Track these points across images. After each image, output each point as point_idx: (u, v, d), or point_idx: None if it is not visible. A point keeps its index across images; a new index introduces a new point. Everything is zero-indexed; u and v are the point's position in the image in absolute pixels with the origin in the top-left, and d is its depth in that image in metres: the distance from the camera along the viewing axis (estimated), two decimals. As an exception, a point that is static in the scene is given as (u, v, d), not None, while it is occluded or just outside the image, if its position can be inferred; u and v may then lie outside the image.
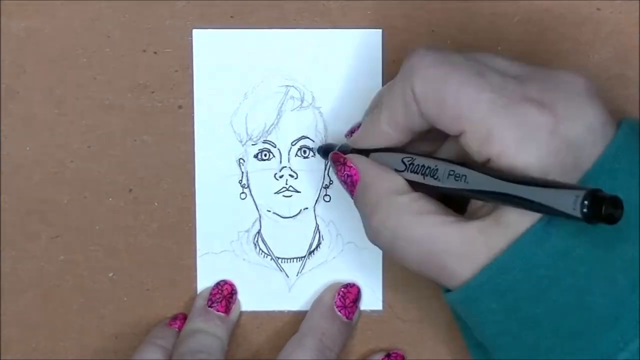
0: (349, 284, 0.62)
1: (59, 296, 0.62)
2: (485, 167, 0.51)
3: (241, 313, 0.63)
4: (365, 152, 0.56)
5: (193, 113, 0.62)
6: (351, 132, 0.57)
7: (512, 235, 0.50)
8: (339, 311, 0.61)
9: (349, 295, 0.62)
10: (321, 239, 0.63)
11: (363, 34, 0.61)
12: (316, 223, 0.62)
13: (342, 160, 0.56)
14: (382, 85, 0.61)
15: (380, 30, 0.61)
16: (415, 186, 0.54)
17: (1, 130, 0.61)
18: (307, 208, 0.62)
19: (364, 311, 0.63)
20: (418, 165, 0.54)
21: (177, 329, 0.61)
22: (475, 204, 0.53)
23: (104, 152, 0.62)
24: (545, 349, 0.51)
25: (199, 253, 0.62)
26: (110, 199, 0.62)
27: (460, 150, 0.53)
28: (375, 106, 0.56)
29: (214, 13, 0.61)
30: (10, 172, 0.62)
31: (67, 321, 0.63)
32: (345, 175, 0.56)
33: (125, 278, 0.63)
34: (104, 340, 0.63)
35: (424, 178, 0.54)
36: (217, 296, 0.62)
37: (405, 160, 0.55)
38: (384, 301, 0.63)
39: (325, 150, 0.60)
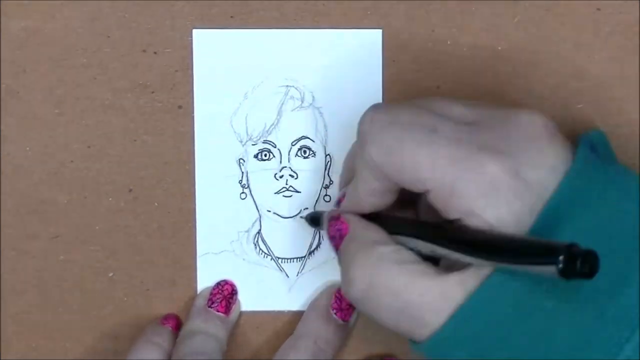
0: (346, 286, 0.62)
1: (59, 296, 0.62)
2: (459, 228, 0.51)
3: (241, 313, 0.63)
4: None
5: (193, 113, 0.62)
6: (338, 202, 0.57)
7: None
8: (335, 314, 0.61)
9: (345, 297, 0.61)
10: (321, 239, 0.63)
11: (363, 34, 0.61)
12: (316, 223, 0.63)
13: (336, 215, 0.56)
14: (382, 85, 0.61)
15: (380, 30, 0.61)
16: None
17: (1, 130, 0.61)
18: (307, 208, 0.62)
19: (364, 311, 0.63)
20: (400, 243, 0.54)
21: (170, 328, 0.61)
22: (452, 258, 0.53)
23: (104, 152, 0.62)
24: None
25: (199, 253, 0.62)
26: (110, 199, 0.62)
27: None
28: (351, 174, 0.55)
29: (214, 13, 0.61)
30: (10, 172, 0.62)
31: (67, 321, 0.63)
32: (336, 230, 0.56)
33: (125, 278, 0.63)
34: (104, 340, 0.63)
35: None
36: (217, 296, 0.62)
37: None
38: (384, 301, 0.63)
39: (312, 219, 0.61)
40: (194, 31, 0.61)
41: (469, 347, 0.50)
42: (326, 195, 0.62)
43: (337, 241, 0.56)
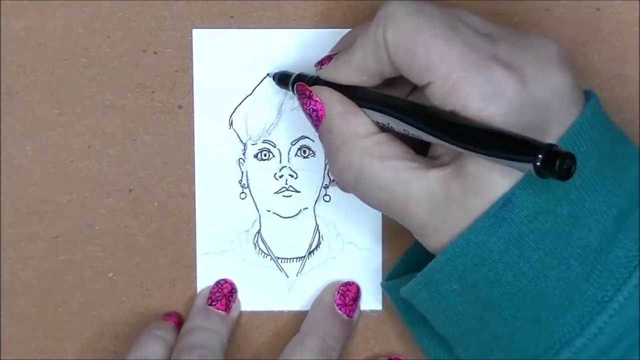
0: (349, 282, 0.62)
1: (59, 296, 0.62)
2: (443, 113, 0.51)
3: (241, 313, 0.63)
4: (332, 85, 0.56)
5: (193, 113, 0.62)
6: (320, 63, 0.57)
7: (470, 186, 0.50)
8: (340, 309, 0.61)
9: (348, 293, 0.62)
10: (321, 239, 0.63)
11: (363, 34, 0.61)
12: (316, 223, 0.62)
13: (307, 93, 0.56)
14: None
15: (380, 30, 0.61)
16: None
17: (1, 130, 0.61)
18: (307, 208, 0.62)
19: (364, 311, 0.63)
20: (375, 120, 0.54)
21: (172, 324, 0.61)
22: (437, 149, 0.54)
23: (104, 152, 0.62)
24: (505, 333, 0.52)
25: (199, 253, 0.62)
26: (110, 199, 0.62)
27: (426, 100, 0.53)
28: (348, 45, 0.55)
29: (214, 13, 0.61)
30: (10, 172, 0.62)
31: (67, 321, 0.63)
32: (311, 110, 0.56)
33: (125, 278, 0.63)
34: (103, 340, 0.63)
35: (382, 126, 0.54)
36: (217, 294, 0.62)
37: (365, 110, 0.55)
38: (383, 301, 0.63)
39: (280, 78, 0.60)
40: (194, 31, 0.61)
41: (461, 278, 0.51)
42: (326, 195, 0.62)
43: (314, 121, 0.56)
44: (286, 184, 0.62)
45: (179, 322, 0.62)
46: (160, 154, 0.62)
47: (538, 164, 0.46)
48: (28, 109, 0.61)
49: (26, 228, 0.62)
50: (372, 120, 0.54)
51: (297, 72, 0.58)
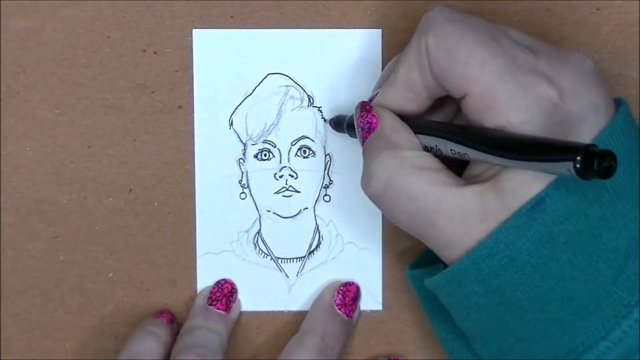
0: (348, 282, 0.62)
1: (59, 296, 0.62)
2: (482, 129, 0.51)
3: (241, 313, 0.63)
4: None
5: (193, 113, 0.62)
6: (370, 99, 0.57)
7: (507, 202, 0.50)
8: (339, 309, 0.61)
9: (348, 293, 0.62)
10: (321, 239, 0.63)
11: (363, 34, 0.61)
12: (316, 223, 0.62)
13: (367, 107, 0.56)
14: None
15: (380, 30, 0.61)
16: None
17: (1, 130, 0.61)
18: (307, 208, 0.62)
19: (364, 311, 0.63)
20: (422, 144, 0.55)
21: (165, 321, 0.61)
22: (476, 168, 0.53)
23: (104, 152, 0.62)
24: (527, 334, 0.51)
25: (199, 253, 0.62)
26: (110, 199, 0.62)
27: (466, 118, 0.53)
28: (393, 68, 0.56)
29: (214, 13, 0.61)
30: (10, 172, 0.62)
31: (67, 321, 0.63)
32: (365, 122, 0.55)
33: (125, 278, 0.63)
34: (104, 340, 0.63)
35: (430, 150, 0.54)
36: (218, 294, 0.62)
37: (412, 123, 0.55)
38: (383, 302, 0.63)
39: (336, 122, 0.60)
40: (194, 31, 0.61)
41: (485, 281, 0.51)
42: (326, 195, 0.62)
43: (364, 134, 0.56)
44: (286, 184, 0.62)
45: (172, 320, 0.62)
46: (160, 154, 0.62)
47: (578, 165, 0.46)
48: (28, 109, 0.61)
49: (26, 228, 0.62)
50: (420, 143, 0.55)
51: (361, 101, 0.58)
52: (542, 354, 0.51)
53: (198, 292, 0.62)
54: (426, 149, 0.54)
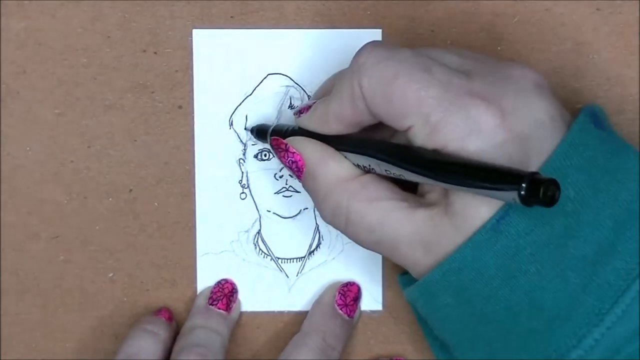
0: (349, 282, 0.62)
1: (59, 296, 0.62)
2: (423, 154, 0.51)
3: (241, 313, 0.63)
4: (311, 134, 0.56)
5: (193, 113, 0.62)
6: (299, 112, 0.57)
7: (459, 225, 0.51)
8: (340, 309, 0.61)
9: (349, 293, 0.62)
10: (321, 239, 0.63)
11: (363, 34, 0.61)
12: (316, 223, 0.62)
13: (283, 146, 0.57)
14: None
15: (380, 30, 0.61)
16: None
17: (1, 130, 0.61)
18: (307, 208, 0.62)
19: (364, 312, 0.63)
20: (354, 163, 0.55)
21: (164, 319, 0.61)
22: (423, 185, 0.54)
23: (104, 152, 0.62)
24: (501, 345, 0.51)
25: (199, 253, 0.62)
26: (110, 199, 0.62)
27: (408, 142, 0.53)
28: (325, 96, 0.56)
29: (214, 13, 0.61)
30: (10, 172, 0.62)
31: (67, 321, 0.63)
32: (290, 162, 0.56)
33: (125, 278, 0.63)
34: (104, 340, 0.63)
35: (363, 168, 0.54)
36: (218, 294, 0.62)
37: (344, 153, 0.55)
38: (383, 302, 0.63)
39: (258, 132, 0.60)
40: (194, 31, 0.61)
41: (456, 294, 0.52)
42: (326, 195, 0.62)
43: (296, 172, 0.56)
44: (286, 184, 0.62)
45: (170, 317, 0.62)
46: (160, 154, 0.62)
47: (522, 192, 0.46)
48: (28, 109, 0.61)
49: (26, 228, 0.62)
50: (353, 164, 0.55)
51: (274, 125, 0.59)
52: None
53: (198, 292, 0.62)
54: (358, 167, 0.55)
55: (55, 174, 0.62)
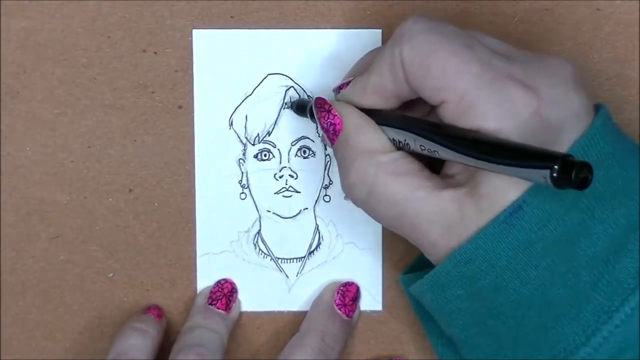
0: (348, 282, 0.62)
1: (59, 296, 0.62)
2: (457, 131, 0.51)
3: (241, 313, 0.63)
4: None
5: (193, 113, 0.62)
6: (339, 88, 0.57)
7: (485, 207, 0.50)
8: (339, 309, 0.61)
9: (348, 293, 0.62)
10: (321, 239, 0.63)
11: (363, 34, 0.61)
12: (316, 223, 0.62)
13: (326, 106, 0.56)
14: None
15: (380, 30, 0.61)
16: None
17: (1, 130, 0.61)
18: (307, 208, 0.62)
19: (364, 312, 0.63)
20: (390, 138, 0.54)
21: (153, 316, 0.61)
22: (451, 167, 0.53)
23: (104, 152, 0.62)
24: (510, 340, 0.51)
25: (198, 253, 0.62)
26: (110, 199, 0.62)
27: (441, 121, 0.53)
28: (364, 69, 0.55)
29: (214, 13, 0.61)
30: (10, 172, 0.62)
31: (67, 321, 0.63)
32: (328, 124, 0.56)
33: (125, 278, 0.63)
34: (104, 340, 0.63)
35: (398, 143, 0.54)
36: (218, 294, 0.62)
37: (382, 127, 0.55)
38: (383, 302, 0.63)
39: (299, 106, 0.60)
40: (194, 31, 0.61)
41: (466, 285, 0.51)
42: (326, 195, 0.62)
43: (330, 135, 0.56)
44: (286, 184, 0.62)
45: (160, 315, 0.62)
46: (160, 154, 0.62)
47: (555, 174, 0.46)
48: (28, 109, 0.61)
49: (26, 228, 0.62)
50: (389, 138, 0.54)
51: (315, 98, 0.58)
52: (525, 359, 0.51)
53: (198, 292, 0.62)
54: (393, 142, 0.54)
55: (55, 174, 0.62)
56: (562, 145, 0.50)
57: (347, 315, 0.61)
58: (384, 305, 0.63)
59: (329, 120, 0.56)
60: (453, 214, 0.51)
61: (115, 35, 0.61)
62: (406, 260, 0.62)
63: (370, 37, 0.61)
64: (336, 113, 0.56)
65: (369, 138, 0.54)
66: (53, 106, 0.61)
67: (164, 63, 0.61)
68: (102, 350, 0.63)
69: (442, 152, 0.51)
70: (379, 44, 0.61)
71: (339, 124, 0.55)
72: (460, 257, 0.51)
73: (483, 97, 0.50)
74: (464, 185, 0.52)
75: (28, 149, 0.62)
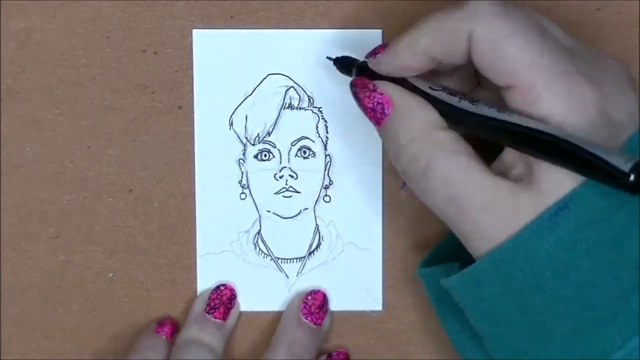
0: (314, 290, 0.62)
1: (59, 296, 0.62)
2: (527, 126, 0.50)
3: (241, 313, 0.63)
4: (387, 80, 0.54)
5: (193, 113, 0.62)
6: (374, 53, 0.55)
7: (542, 202, 0.50)
8: (305, 318, 0.61)
9: (314, 302, 0.61)
10: (321, 239, 0.63)
11: (363, 34, 0.61)
12: (316, 223, 0.62)
13: (371, 86, 0.55)
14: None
15: (380, 30, 0.61)
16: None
17: (1, 130, 0.61)
18: (307, 208, 0.62)
19: (364, 312, 0.63)
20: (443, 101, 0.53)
21: (165, 337, 0.61)
22: (506, 161, 0.52)
23: (104, 152, 0.62)
24: (543, 339, 0.51)
25: (199, 253, 0.62)
26: (110, 199, 0.62)
27: (492, 96, 0.52)
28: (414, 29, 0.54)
29: (214, 13, 0.61)
30: (10, 172, 0.62)
31: (67, 321, 0.63)
32: (375, 103, 0.54)
33: (125, 278, 0.63)
34: (104, 340, 0.63)
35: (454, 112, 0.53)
36: (216, 301, 0.61)
37: (431, 94, 0.53)
38: (383, 302, 0.63)
39: (343, 64, 0.58)
40: (194, 31, 0.61)
41: (503, 283, 0.51)
42: (326, 195, 0.62)
43: (378, 114, 0.54)
44: (286, 184, 0.62)
45: (173, 331, 0.62)
46: (160, 154, 0.62)
47: (632, 178, 0.46)
48: (28, 109, 0.61)
49: (26, 228, 0.62)
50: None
51: (361, 61, 0.56)
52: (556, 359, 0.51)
53: (198, 292, 0.62)
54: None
55: (55, 174, 0.62)
56: (617, 145, 0.50)
57: (315, 323, 0.61)
58: (384, 305, 0.63)
59: (375, 100, 0.54)
60: (507, 204, 0.50)
61: (115, 35, 0.61)
62: (407, 260, 0.62)
63: (370, 37, 0.61)
64: (382, 92, 0.54)
65: (425, 115, 0.53)
66: (53, 106, 0.61)
67: (164, 63, 0.61)
68: (102, 350, 0.63)
69: (506, 141, 0.51)
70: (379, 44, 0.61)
71: (387, 102, 0.54)
72: (499, 255, 0.50)
73: (552, 90, 0.50)
74: (520, 179, 0.51)
75: (28, 149, 0.62)
